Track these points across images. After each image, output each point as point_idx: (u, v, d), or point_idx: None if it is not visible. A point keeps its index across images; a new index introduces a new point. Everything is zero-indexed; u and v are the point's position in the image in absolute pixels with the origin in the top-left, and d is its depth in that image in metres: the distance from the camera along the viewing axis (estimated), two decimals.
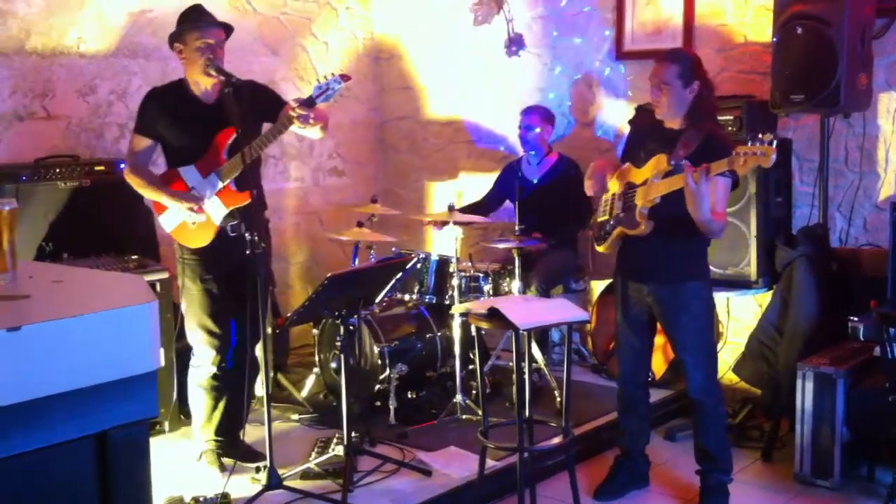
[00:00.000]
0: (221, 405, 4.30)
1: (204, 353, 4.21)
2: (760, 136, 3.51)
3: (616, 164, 4.27)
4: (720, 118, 4.79)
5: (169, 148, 4.20)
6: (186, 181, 4.12)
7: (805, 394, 4.30)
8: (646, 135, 4.14)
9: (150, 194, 4.17)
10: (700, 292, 4.03)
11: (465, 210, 5.55)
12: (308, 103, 3.97)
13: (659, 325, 4.20)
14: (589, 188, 4.27)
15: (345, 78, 4.08)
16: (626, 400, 4.32)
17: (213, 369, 4.22)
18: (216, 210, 4.10)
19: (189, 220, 4.08)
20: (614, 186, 4.16)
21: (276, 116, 4.07)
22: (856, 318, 4.34)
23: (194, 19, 4.06)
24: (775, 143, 3.51)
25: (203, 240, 4.11)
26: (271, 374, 4.60)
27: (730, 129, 4.81)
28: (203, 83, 4.11)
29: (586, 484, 4.23)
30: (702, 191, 3.67)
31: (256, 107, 4.09)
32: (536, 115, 5.66)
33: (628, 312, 4.17)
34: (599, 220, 4.23)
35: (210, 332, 4.18)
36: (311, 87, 4.13)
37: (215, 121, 4.09)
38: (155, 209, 4.20)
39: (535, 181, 5.68)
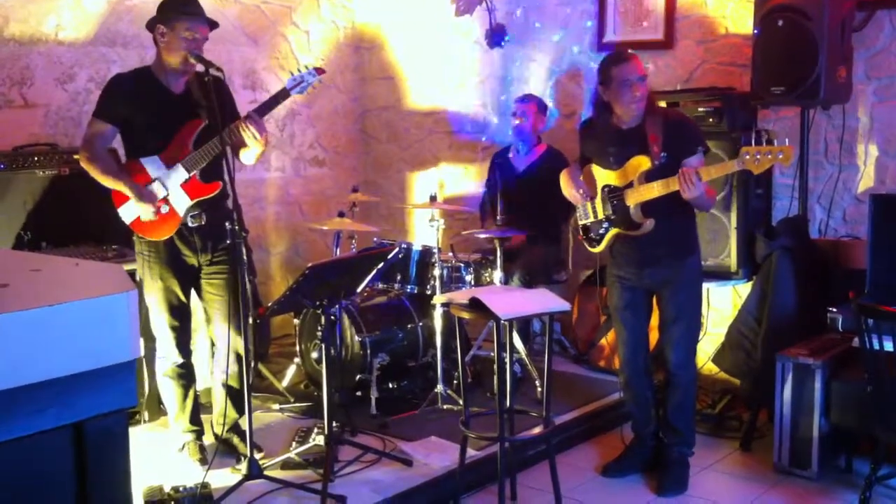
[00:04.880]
0: (192, 393, 4.30)
1: (168, 345, 4.19)
2: (766, 135, 3.67)
3: (577, 170, 4.37)
4: (701, 110, 4.85)
5: (131, 136, 4.07)
6: (149, 171, 4.02)
7: (784, 384, 4.33)
8: (604, 139, 4.19)
9: (109, 183, 4.01)
10: (696, 267, 4.23)
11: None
12: (282, 95, 4.09)
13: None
14: (577, 197, 4.31)
15: (320, 71, 4.15)
16: (628, 385, 4.39)
17: (179, 359, 4.21)
18: (180, 201, 4.04)
19: (144, 216, 4.01)
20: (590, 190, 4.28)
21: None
22: (835, 310, 4.38)
23: (187, 9, 3.98)
24: (787, 140, 3.69)
25: (164, 232, 4.05)
26: (252, 364, 4.59)
27: (710, 120, 4.83)
28: (173, 72, 4.03)
29: (567, 473, 4.24)
30: (698, 189, 3.85)
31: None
32: (533, 105, 5.64)
33: (627, 297, 4.26)
34: (585, 223, 4.30)
35: (172, 327, 4.16)
36: (288, 77, 4.14)
37: (183, 111, 4.06)
38: (114, 201, 4.06)
39: (521, 171, 5.68)
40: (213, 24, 4.09)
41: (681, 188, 3.84)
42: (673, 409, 4.25)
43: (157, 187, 4.03)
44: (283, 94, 4.13)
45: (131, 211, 4.04)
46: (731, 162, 3.85)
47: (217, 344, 4.26)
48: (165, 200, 4.03)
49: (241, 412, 4.28)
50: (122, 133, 4.08)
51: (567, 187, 4.35)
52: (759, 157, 3.70)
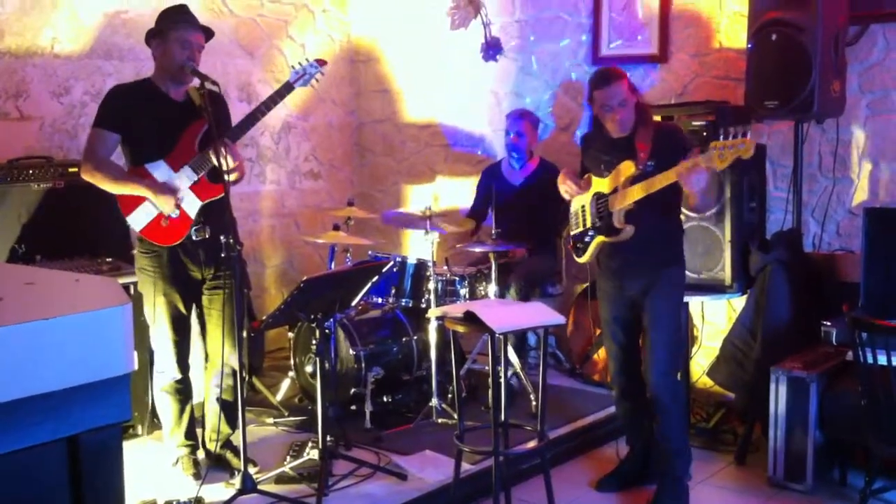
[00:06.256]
0: (188, 408, 4.28)
1: (168, 360, 4.17)
2: (732, 130, 3.64)
3: (577, 173, 4.35)
4: (695, 123, 4.86)
5: (133, 145, 4.07)
6: (156, 177, 4.01)
7: (778, 398, 4.33)
8: (599, 149, 4.21)
9: (122, 188, 3.98)
10: (677, 279, 4.17)
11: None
12: (286, 88, 4.17)
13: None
14: (570, 192, 4.29)
15: (321, 63, 4.22)
16: (619, 399, 4.37)
17: (177, 374, 4.19)
18: (191, 204, 4.05)
19: (171, 213, 3.99)
20: (582, 199, 4.24)
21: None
22: (829, 323, 4.39)
23: (179, 18, 4.01)
24: (749, 133, 3.63)
25: (176, 236, 4.04)
26: (246, 378, 4.58)
27: (704, 134, 4.83)
28: (172, 81, 4.06)
29: (562, 487, 4.23)
30: (693, 178, 3.79)
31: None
32: (528, 123, 5.66)
33: (613, 311, 4.24)
34: (575, 232, 4.29)
35: (174, 342, 4.14)
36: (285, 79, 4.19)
37: (184, 118, 4.06)
38: (122, 209, 4.04)
39: (516, 185, 5.69)
40: (208, 32, 4.11)
41: (680, 177, 3.80)
42: (660, 429, 4.14)
43: None
44: (286, 88, 4.18)
45: (142, 217, 4.02)
46: (700, 157, 3.79)
47: (212, 358, 4.25)
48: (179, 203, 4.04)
49: (234, 427, 4.27)
50: (124, 142, 4.07)
51: (562, 183, 4.32)
52: (723, 150, 3.68)
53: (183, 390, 4.24)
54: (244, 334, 4.16)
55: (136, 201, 4.01)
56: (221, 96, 4.09)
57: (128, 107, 4.04)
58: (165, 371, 4.19)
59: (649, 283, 4.09)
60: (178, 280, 4.10)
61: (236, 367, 4.06)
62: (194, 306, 4.24)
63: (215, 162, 3.93)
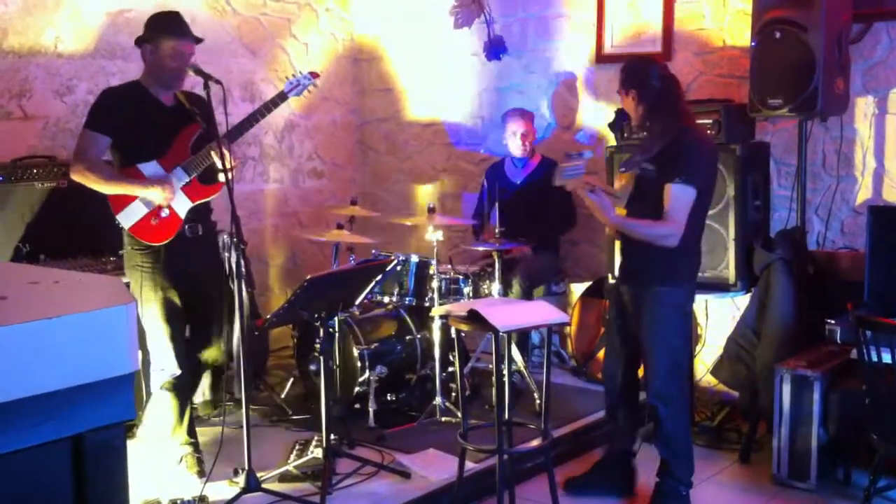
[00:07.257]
0: (189, 406, 4.29)
1: (167, 357, 4.16)
2: (573, 153, 3.71)
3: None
4: (699, 122, 4.81)
5: (125, 149, 4.08)
6: (148, 177, 4.03)
7: (782, 396, 4.32)
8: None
9: (114, 188, 4.00)
10: (671, 297, 3.97)
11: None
12: (280, 98, 4.25)
13: None
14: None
15: (314, 75, 4.31)
16: (607, 401, 4.34)
17: (177, 371, 4.18)
18: (181, 204, 4.07)
19: (164, 202, 4.00)
20: None
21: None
22: (833, 321, 4.37)
23: (172, 29, 4.03)
24: (584, 156, 3.79)
25: (166, 236, 4.06)
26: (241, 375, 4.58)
27: (708, 132, 4.82)
28: (162, 86, 4.09)
29: None
30: (595, 203, 3.84)
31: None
32: (529, 122, 5.66)
33: (614, 314, 4.22)
34: None
35: (171, 338, 4.14)
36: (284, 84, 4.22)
37: (175, 122, 4.10)
38: (112, 206, 4.05)
39: (518, 182, 5.70)
40: (197, 40, 4.13)
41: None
42: (657, 441, 4.09)
43: None
44: (280, 97, 4.26)
45: (132, 214, 4.04)
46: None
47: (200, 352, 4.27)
48: (172, 195, 4.04)
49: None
50: (115, 145, 4.08)
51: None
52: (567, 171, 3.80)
53: (183, 387, 4.23)
54: (239, 331, 4.16)
55: (126, 199, 4.03)
56: (205, 99, 4.09)
57: (120, 110, 4.07)
58: (165, 368, 4.18)
59: (642, 298, 3.98)
60: (171, 275, 4.11)
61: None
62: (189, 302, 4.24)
63: (216, 161, 3.94)
